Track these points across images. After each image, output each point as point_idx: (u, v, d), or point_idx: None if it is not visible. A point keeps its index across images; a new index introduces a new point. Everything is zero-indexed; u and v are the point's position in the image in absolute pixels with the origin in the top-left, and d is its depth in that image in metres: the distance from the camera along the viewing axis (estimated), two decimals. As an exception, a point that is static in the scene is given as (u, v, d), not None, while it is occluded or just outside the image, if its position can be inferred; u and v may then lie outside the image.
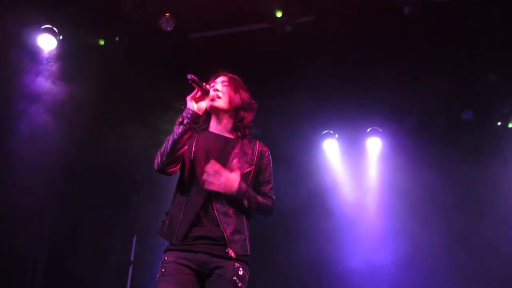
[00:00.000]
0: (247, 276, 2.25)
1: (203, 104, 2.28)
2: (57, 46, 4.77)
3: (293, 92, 5.57)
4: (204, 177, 2.17)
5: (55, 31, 4.70)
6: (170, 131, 2.26)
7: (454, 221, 5.50)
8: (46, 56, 4.76)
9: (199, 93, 2.26)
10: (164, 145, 2.23)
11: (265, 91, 5.17)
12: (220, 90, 2.40)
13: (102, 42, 5.12)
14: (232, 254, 2.18)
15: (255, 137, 2.51)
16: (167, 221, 2.28)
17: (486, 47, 4.81)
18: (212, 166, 2.18)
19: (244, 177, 2.28)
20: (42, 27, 4.67)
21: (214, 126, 2.44)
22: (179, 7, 4.71)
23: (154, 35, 4.91)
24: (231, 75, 2.50)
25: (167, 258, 2.20)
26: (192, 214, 2.21)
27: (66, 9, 4.62)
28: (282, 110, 5.83)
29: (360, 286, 5.67)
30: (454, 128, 5.75)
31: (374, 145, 6.08)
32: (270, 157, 2.47)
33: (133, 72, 4.93)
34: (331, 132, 6.17)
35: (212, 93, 2.33)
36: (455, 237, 5.47)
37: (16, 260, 4.66)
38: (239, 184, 2.20)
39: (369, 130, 6.02)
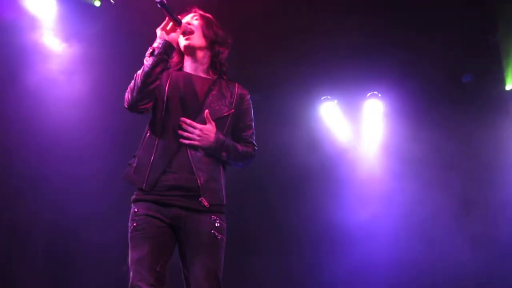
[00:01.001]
0: (225, 226, 2.14)
1: (175, 36, 2.11)
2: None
3: (291, 59, 5.45)
4: (179, 132, 2.08)
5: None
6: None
7: (462, 183, 5.42)
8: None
9: (170, 23, 2.10)
10: (133, 80, 2.06)
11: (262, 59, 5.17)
12: (191, 23, 2.25)
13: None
14: (206, 204, 2.05)
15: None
16: (134, 164, 2.12)
17: (486, 8, 4.67)
18: (185, 120, 2.08)
19: (222, 121, 2.17)
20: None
21: (188, 66, 2.27)
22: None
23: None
24: (202, 11, 2.34)
25: (137, 210, 2.06)
26: (164, 159, 2.07)
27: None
28: (280, 77, 5.72)
29: (367, 253, 5.66)
30: (456, 90, 5.64)
31: (375, 109, 5.97)
32: (251, 101, 2.33)
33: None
34: (329, 97, 6.08)
35: (184, 24, 2.16)
36: (464, 199, 5.41)
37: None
38: (216, 136, 2.10)
39: (369, 95, 5.93)
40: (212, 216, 2.08)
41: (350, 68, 5.43)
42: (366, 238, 5.70)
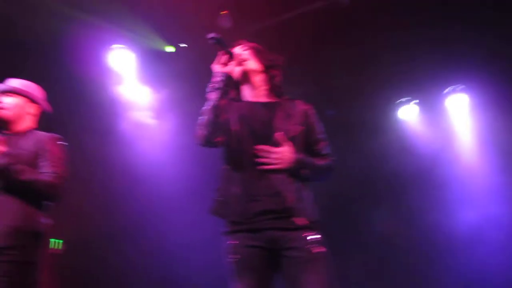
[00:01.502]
0: (322, 239, 2.09)
1: (232, 67, 2.20)
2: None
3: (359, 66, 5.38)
4: (257, 159, 2.08)
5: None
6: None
7: None
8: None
9: (224, 57, 2.18)
10: (202, 117, 2.13)
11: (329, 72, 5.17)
12: (242, 53, 2.30)
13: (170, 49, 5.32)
14: (299, 223, 2.03)
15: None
16: (220, 198, 2.14)
17: None
18: (261, 147, 2.08)
19: (294, 140, 2.15)
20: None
21: (248, 94, 2.31)
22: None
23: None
24: (250, 43, 2.38)
25: (235, 242, 2.07)
26: (248, 188, 2.07)
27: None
28: (355, 87, 5.65)
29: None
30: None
31: (460, 104, 5.68)
32: (315, 114, 2.30)
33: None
34: (409, 98, 5.88)
35: (236, 55, 2.23)
36: None
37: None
38: (294, 156, 2.10)
39: (451, 89, 5.67)
40: (307, 233, 2.05)
41: (426, 64, 5.23)
42: (478, 243, 5.27)
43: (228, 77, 2.17)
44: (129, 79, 5.30)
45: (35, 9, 4.31)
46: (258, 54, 2.32)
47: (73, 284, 4.72)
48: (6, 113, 2.57)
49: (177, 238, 5.14)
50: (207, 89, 2.16)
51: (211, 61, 2.22)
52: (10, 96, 2.61)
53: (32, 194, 2.37)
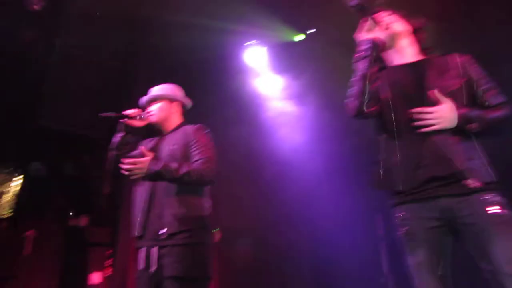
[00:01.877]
0: (504, 201, 1.84)
1: (378, 33, 2.11)
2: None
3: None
4: (414, 123, 1.93)
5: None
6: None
7: None
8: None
9: (368, 23, 2.10)
10: (351, 88, 2.07)
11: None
12: (386, 19, 2.18)
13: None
14: (472, 185, 1.83)
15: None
16: (381, 170, 2.04)
17: None
18: (416, 109, 1.93)
19: (456, 95, 1.96)
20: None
21: (396, 58, 2.20)
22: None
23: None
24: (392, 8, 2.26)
25: (404, 214, 1.96)
26: (411, 154, 1.94)
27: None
28: None
29: None
30: None
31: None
32: (475, 62, 2.07)
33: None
34: None
35: (379, 19, 2.12)
36: None
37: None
38: (456, 111, 1.90)
39: None
40: (485, 196, 1.84)
41: None
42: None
43: (374, 44, 2.10)
44: (265, 72, 5.56)
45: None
46: (402, 15, 2.23)
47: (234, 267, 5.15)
48: (154, 118, 2.89)
49: (328, 219, 5.18)
50: (354, 59, 2.11)
51: (344, 40, 2.19)
52: (154, 103, 2.93)
53: (190, 183, 2.62)
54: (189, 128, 2.85)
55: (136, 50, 5.39)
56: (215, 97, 5.16)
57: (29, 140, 5.28)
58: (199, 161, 2.66)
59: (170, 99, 2.97)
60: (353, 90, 2.08)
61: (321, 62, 5.23)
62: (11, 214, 5.55)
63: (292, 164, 5.31)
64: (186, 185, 2.62)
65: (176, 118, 2.98)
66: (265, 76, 5.59)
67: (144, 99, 2.97)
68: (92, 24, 4.86)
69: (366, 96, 2.04)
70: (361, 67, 2.08)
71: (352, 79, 2.09)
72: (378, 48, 2.12)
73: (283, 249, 5.45)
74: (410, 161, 1.95)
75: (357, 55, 2.11)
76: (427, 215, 1.91)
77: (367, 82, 2.05)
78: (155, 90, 2.99)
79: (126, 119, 2.80)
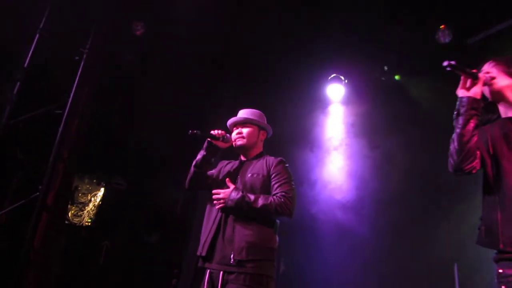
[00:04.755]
0: None
1: (477, 89, 2.06)
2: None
3: None
4: None
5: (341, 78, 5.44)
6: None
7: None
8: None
9: (468, 80, 2.06)
10: (450, 144, 2.07)
11: None
12: (490, 71, 2.14)
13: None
14: None
15: None
16: (483, 227, 2.02)
17: None
18: None
19: None
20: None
21: (504, 111, 2.16)
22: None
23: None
24: (498, 58, 2.19)
25: (503, 271, 1.92)
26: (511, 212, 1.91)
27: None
28: None
29: None
30: None
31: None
32: None
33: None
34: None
35: (482, 75, 2.08)
36: None
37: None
38: None
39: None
40: None
41: None
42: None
43: (473, 100, 2.06)
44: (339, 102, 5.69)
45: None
46: (509, 65, 2.14)
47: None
48: (241, 142, 2.93)
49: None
50: (454, 116, 2.09)
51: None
52: (242, 127, 2.97)
53: (266, 215, 2.63)
54: (270, 159, 2.87)
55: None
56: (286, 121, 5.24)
57: (116, 155, 5.60)
58: (279, 194, 2.67)
59: (259, 126, 3.00)
60: (451, 147, 2.08)
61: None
62: (89, 223, 5.86)
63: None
64: (263, 215, 2.63)
65: (259, 146, 3.01)
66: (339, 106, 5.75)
67: (232, 120, 3.00)
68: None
69: (463, 153, 2.02)
70: (457, 124, 2.06)
71: (453, 135, 2.08)
72: (478, 105, 2.07)
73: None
74: (510, 220, 1.91)
75: (455, 112, 2.10)
76: None
77: (464, 140, 2.03)
78: (246, 113, 3.02)
79: (211, 139, 2.86)
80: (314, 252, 5.43)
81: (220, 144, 2.88)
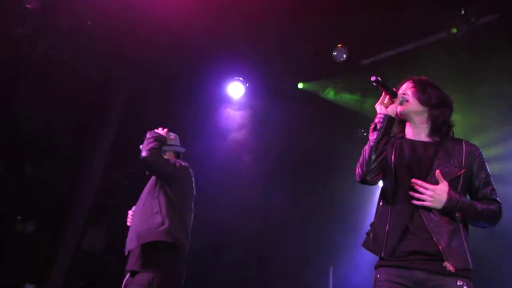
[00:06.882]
0: None
1: (394, 108, 2.20)
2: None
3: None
4: (410, 193, 2.05)
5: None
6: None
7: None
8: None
9: (387, 97, 2.21)
10: (362, 155, 2.18)
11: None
12: (405, 93, 2.27)
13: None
14: (451, 268, 1.92)
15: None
16: (371, 234, 2.16)
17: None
18: (416, 181, 2.05)
19: (454, 182, 2.07)
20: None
21: (410, 133, 2.29)
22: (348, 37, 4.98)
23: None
24: (417, 77, 2.35)
25: (380, 276, 2.06)
26: (399, 226, 2.05)
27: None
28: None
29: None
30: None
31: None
32: (482, 156, 2.17)
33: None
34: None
35: (400, 94, 2.23)
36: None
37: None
38: (448, 196, 2.00)
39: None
40: (458, 281, 1.94)
41: None
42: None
43: (389, 118, 2.19)
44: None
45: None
46: (422, 91, 2.26)
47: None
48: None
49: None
50: (370, 129, 2.20)
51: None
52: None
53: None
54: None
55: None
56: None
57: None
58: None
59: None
60: (361, 158, 2.19)
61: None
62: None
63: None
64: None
65: None
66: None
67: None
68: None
69: (371, 166, 2.15)
70: (371, 138, 2.18)
71: (364, 147, 2.19)
72: (391, 123, 2.21)
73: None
74: (397, 232, 2.05)
75: (372, 124, 2.21)
76: (401, 282, 1.99)
77: (375, 153, 2.15)
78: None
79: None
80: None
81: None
